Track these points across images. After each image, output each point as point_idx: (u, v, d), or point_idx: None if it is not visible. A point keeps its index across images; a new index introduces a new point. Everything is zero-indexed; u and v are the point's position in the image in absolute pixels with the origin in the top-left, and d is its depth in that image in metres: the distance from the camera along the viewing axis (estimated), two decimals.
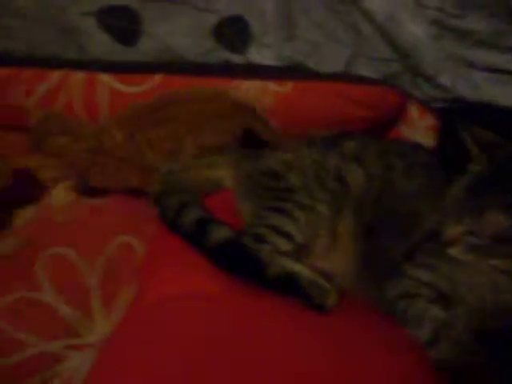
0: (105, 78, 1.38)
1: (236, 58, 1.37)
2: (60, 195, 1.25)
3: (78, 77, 1.39)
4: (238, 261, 0.96)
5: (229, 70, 1.36)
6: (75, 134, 1.22)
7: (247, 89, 1.33)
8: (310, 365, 0.83)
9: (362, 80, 1.30)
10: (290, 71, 1.33)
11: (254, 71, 1.34)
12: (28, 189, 1.22)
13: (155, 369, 0.83)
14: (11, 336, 0.99)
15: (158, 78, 1.36)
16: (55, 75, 1.40)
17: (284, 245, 0.97)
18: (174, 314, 0.92)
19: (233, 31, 1.34)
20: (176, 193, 1.12)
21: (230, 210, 1.12)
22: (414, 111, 1.32)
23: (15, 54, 1.48)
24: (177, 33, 1.37)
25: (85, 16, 1.40)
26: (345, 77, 1.31)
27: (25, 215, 1.22)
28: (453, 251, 0.83)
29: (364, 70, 1.33)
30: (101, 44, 1.43)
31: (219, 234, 0.99)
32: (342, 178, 1.02)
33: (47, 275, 1.08)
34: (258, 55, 1.36)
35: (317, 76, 1.31)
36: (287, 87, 1.29)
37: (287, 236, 0.97)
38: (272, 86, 1.30)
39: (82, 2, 1.39)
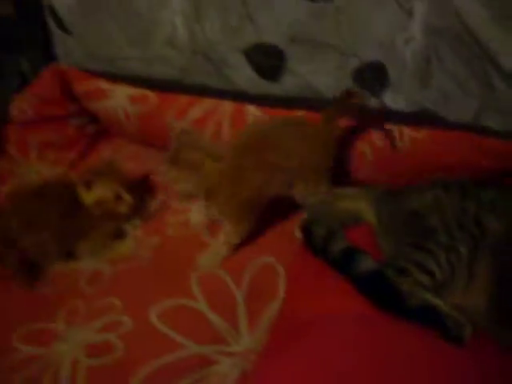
0: (251, 110, 1.50)
1: (372, 101, 1.47)
2: (197, 215, 1.40)
3: (228, 106, 1.52)
4: (382, 290, 1.06)
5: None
6: (207, 151, 1.29)
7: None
8: None
9: (492, 132, 1.35)
10: (423, 118, 1.41)
11: (388, 114, 1.43)
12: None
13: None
14: (169, 337, 1.14)
15: (300, 114, 1.46)
16: (206, 102, 1.54)
17: (425, 280, 1.06)
18: (324, 333, 1.03)
19: (372, 76, 1.43)
20: (323, 222, 1.23)
21: (369, 242, 1.22)
22: None
23: (167, 79, 1.64)
24: (319, 72, 1.47)
25: (234, 51, 1.52)
26: (476, 127, 1.36)
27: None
28: None
29: (492, 122, 1.40)
30: (246, 77, 1.55)
31: (365, 264, 1.11)
32: (481, 223, 1.09)
33: (201, 288, 1.23)
34: (392, 100, 1.44)
35: (449, 125, 1.38)
36: (421, 133, 1.36)
37: (428, 272, 1.06)
38: (407, 131, 1.38)
39: (233, 38, 1.51)
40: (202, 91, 1.58)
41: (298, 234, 1.28)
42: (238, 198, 1.25)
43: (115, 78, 1.65)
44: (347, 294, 1.10)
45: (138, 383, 1.07)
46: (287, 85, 1.53)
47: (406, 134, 1.37)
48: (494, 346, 1.01)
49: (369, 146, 1.42)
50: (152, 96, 1.59)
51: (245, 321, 1.17)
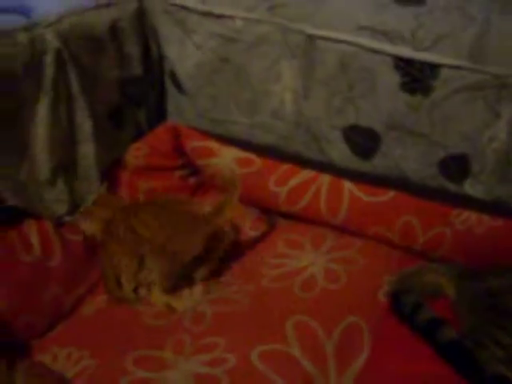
0: (347, 185, 1.69)
1: (452, 188, 1.64)
2: None
3: (325, 178, 1.71)
4: (463, 359, 1.22)
5: (448, 198, 1.62)
6: None
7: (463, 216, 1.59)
8: None
9: None
10: (499, 208, 1.58)
11: (468, 202, 1.60)
12: None
13: None
14: (268, 377, 1.28)
15: (391, 194, 1.65)
16: (306, 173, 1.74)
17: (501, 355, 1.22)
18: None
19: (455, 166, 1.61)
20: (411, 292, 1.40)
21: (447, 314, 1.38)
22: None
23: (269, 145, 1.85)
24: (408, 157, 1.65)
25: (334, 129, 1.72)
26: None
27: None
28: None
29: None
30: (341, 153, 1.75)
31: (448, 333, 1.27)
32: None
33: (296, 336, 1.38)
34: (472, 189, 1.62)
35: None
36: (499, 222, 1.53)
37: (504, 348, 1.22)
38: (486, 218, 1.55)
39: (334, 117, 1.71)
40: (298, 160, 1.78)
41: (383, 298, 1.45)
42: None
43: (221, 138, 1.85)
44: (431, 358, 1.26)
45: None
46: (378, 164, 1.71)
47: (485, 221, 1.52)
48: None
49: (449, 228, 1.57)
50: (257, 160, 1.78)
51: (334, 370, 1.30)
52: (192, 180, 1.97)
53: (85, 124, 1.63)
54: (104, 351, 1.43)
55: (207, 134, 1.88)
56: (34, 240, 1.55)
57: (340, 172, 1.73)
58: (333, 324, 1.41)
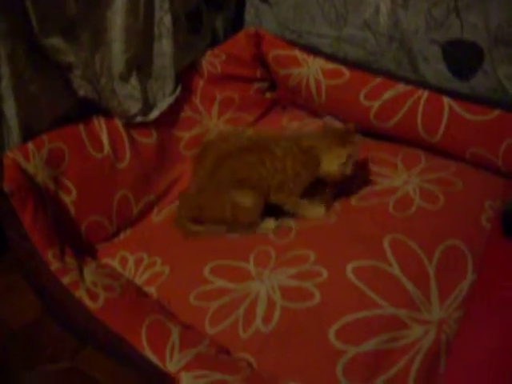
0: (448, 101, 1.52)
1: None
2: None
3: (424, 93, 1.55)
4: None
5: None
6: None
7: None
8: None
9: None
10: None
11: None
12: None
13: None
14: (366, 294, 1.16)
15: (496, 113, 1.48)
16: (401, 87, 1.57)
17: None
18: None
19: None
20: None
21: None
22: None
23: (356, 61, 1.69)
24: None
25: (433, 44, 1.55)
26: None
27: None
28: None
29: None
30: (437, 71, 1.58)
31: None
32: None
33: (394, 254, 1.24)
34: None
35: None
36: None
37: None
38: None
39: (434, 30, 1.54)
40: (389, 77, 1.61)
41: (486, 224, 1.32)
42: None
43: (306, 49, 1.70)
44: None
45: (333, 333, 1.10)
46: (478, 85, 1.54)
47: None
48: None
49: None
50: (346, 72, 1.63)
51: (436, 292, 1.18)
52: (269, 94, 1.81)
53: (164, 19, 1.50)
54: (178, 259, 1.33)
55: (292, 43, 1.72)
56: (104, 138, 1.44)
57: (436, 92, 1.56)
58: (433, 245, 1.27)
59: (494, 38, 1.46)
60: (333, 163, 1.35)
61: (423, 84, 1.59)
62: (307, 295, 1.17)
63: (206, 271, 1.26)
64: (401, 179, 1.47)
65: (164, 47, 1.53)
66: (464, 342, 1.06)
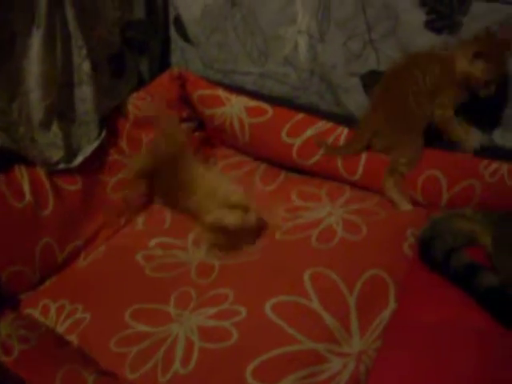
0: None
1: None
2: None
3: (343, 130, 1.57)
4: (503, 307, 1.09)
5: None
6: None
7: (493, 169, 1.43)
8: None
9: None
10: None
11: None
12: None
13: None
14: (284, 330, 1.16)
15: None
16: (322, 123, 1.59)
17: None
18: (441, 337, 1.08)
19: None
20: (443, 238, 1.27)
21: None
22: None
23: (280, 96, 1.72)
24: None
25: (351, 75, 1.59)
26: None
27: None
28: None
29: None
30: (359, 103, 1.61)
31: (487, 279, 1.14)
32: None
33: (314, 287, 1.25)
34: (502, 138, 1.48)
35: None
36: None
37: None
38: None
39: (352, 63, 1.57)
40: (313, 112, 1.63)
41: (408, 251, 1.33)
42: None
43: (230, 88, 1.71)
44: (464, 305, 1.14)
45: (250, 372, 1.09)
46: None
47: None
48: None
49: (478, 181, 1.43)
50: (269, 109, 1.64)
51: (356, 324, 1.18)
52: (198, 134, 1.82)
53: (83, 65, 1.50)
54: (100, 304, 1.32)
55: (215, 83, 1.74)
56: (26, 187, 1.43)
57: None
58: (354, 276, 1.27)
59: None
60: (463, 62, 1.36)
61: (346, 116, 1.62)
62: (225, 335, 1.17)
63: (127, 316, 1.25)
64: (325, 211, 1.48)
65: (85, 93, 1.53)
66: (381, 370, 1.07)
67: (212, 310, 1.23)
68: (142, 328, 1.23)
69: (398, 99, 1.44)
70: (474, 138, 1.44)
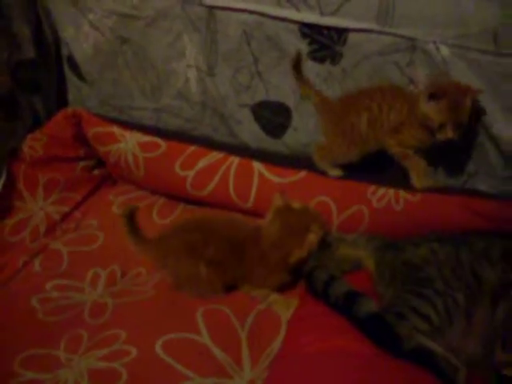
0: (257, 166, 1.57)
1: None
2: None
3: (235, 160, 1.59)
4: (381, 333, 1.12)
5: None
6: None
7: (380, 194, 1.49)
8: None
9: (482, 194, 1.44)
10: None
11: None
12: None
13: None
14: (174, 368, 1.17)
15: (302, 174, 1.54)
16: (214, 155, 1.61)
17: (421, 325, 1.12)
18: (326, 366, 1.10)
19: None
20: (325, 267, 1.30)
21: (367, 287, 1.29)
22: None
23: (175, 130, 1.74)
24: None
25: (243, 107, 1.62)
26: (468, 191, 1.45)
27: None
28: None
29: (483, 185, 1.49)
30: (252, 133, 1.65)
31: (366, 307, 1.17)
32: (477, 273, 1.17)
33: (205, 322, 1.27)
34: None
35: (443, 189, 1.46)
36: (416, 197, 1.44)
37: (425, 318, 1.12)
38: (403, 194, 1.45)
39: (241, 94, 1.61)
40: (208, 143, 1.65)
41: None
42: None
43: (126, 125, 1.72)
44: (349, 333, 1.16)
45: None
46: (290, 141, 1.63)
47: (402, 197, 1.44)
48: None
49: (366, 206, 1.47)
50: (162, 143, 1.66)
51: (247, 356, 1.21)
52: (97, 172, 1.81)
53: None
54: None
55: (109, 120, 1.74)
56: None
57: (252, 154, 1.62)
58: (246, 310, 1.32)
59: (296, 97, 1.55)
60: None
61: (240, 147, 1.66)
62: (115, 376, 1.16)
63: (16, 364, 1.23)
64: None
65: None
66: None
67: (103, 352, 1.22)
68: (32, 375, 1.21)
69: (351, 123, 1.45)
70: (427, 178, 1.46)
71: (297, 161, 1.59)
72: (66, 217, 1.72)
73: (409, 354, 1.08)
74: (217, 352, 1.21)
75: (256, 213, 1.55)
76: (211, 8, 1.52)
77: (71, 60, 1.78)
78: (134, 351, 1.22)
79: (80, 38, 1.73)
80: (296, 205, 1.36)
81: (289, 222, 1.33)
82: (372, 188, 1.47)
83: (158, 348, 1.21)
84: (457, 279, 1.16)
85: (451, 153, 1.44)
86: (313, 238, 1.30)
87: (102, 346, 1.25)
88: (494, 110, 1.34)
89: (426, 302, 1.13)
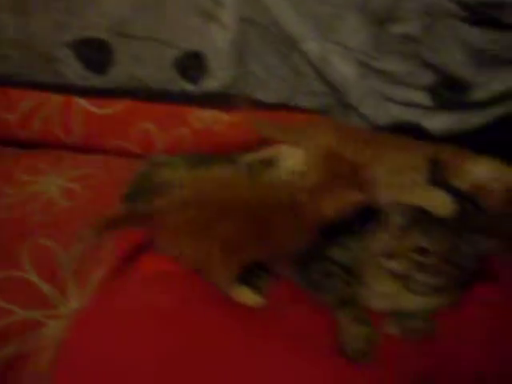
0: (81, 102, 1.59)
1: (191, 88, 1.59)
2: None
3: (56, 98, 1.60)
4: None
5: (186, 98, 1.58)
6: None
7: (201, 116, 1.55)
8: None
9: (301, 110, 1.54)
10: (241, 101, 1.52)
11: (207, 97, 1.56)
12: None
13: None
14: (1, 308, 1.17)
15: (124, 103, 1.58)
16: (35, 95, 1.61)
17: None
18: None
19: (190, 64, 1.56)
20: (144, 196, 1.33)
21: None
22: None
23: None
24: (143, 63, 1.58)
25: (62, 46, 1.59)
26: (287, 107, 1.54)
27: None
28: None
29: (303, 101, 1.57)
30: (75, 71, 1.62)
31: None
32: None
33: (31, 259, 1.27)
34: (211, 85, 1.58)
35: (264, 106, 1.54)
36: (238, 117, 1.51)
37: None
38: (225, 117, 1.52)
39: (59, 33, 1.57)
40: (32, 86, 1.63)
41: None
42: None
43: None
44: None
45: None
46: (115, 77, 1.61)
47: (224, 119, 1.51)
48: None
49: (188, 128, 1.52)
50: None
51: (74, 286, 1.23)
52: None
53: None
54: None
55: None
56: None
57: (78, 92, 1.62)
58: (71, 241, 1.30)
59: (115, 32, 1.55)
60: None
61: (66, 86, 1.64)
62: None
63: None
64: (46, 183, 1.51)
65: None
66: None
67: None
68: None
69: None
70: None
71: (126, 94, 1.61)
72: None
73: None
74: (42, 285, 1.22)
75: (84, 147, 1.59)
76: None
77: None
78: None
79: None
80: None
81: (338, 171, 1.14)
82: (194, 111, 1.53)
83: None
84: None
85: None
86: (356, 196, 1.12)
87: None
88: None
89: None
